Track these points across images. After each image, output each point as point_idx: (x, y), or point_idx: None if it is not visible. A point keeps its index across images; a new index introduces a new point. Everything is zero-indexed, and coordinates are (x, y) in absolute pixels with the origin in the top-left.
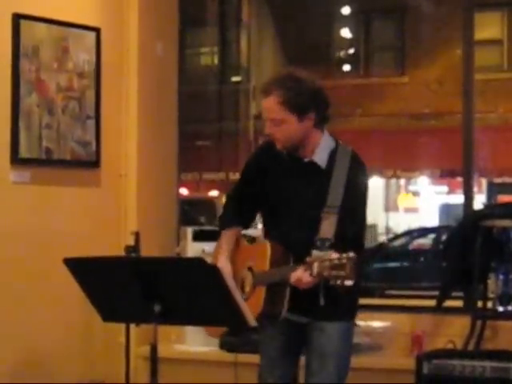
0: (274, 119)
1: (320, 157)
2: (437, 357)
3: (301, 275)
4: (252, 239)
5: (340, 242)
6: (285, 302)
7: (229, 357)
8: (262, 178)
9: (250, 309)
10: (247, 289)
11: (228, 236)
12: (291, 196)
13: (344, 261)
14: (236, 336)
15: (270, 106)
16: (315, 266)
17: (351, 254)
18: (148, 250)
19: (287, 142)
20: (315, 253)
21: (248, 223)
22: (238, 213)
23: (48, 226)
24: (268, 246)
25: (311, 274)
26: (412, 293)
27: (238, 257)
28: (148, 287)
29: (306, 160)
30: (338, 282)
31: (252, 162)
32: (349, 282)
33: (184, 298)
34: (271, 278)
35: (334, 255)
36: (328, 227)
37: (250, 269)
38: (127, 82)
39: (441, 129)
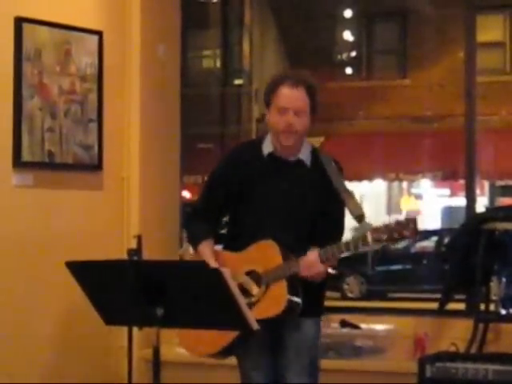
0: (300, 108)
1: (305, 156)
2: (439, 360)
3: (313, 259)
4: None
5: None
6: (299, 301)
7: (231, 360)
8: (235, 187)
9: (269, 307)
10: (254, 291)
11: (206, 246)
12: (277, 195)
13: (405, 222)
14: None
15: (300, 95)
16: (368, 234)
17: (411, 217)
18: (150, 253)
19: (300, 136)
20: (364, 224)
21: (216, 235)
22: (207, 227)
23: (50, 229)
24: (273, 243)
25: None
26: (414, 295)
27: (227, 266)
28: (150, 290)
29: (293, 159)
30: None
31: (222, 173)
32: (410, 240)
33: (186, 302)
34: (283, 271)
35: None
36: (356, 206)
37: (248, 273)
38: (129, 86)
39: (443, 131)
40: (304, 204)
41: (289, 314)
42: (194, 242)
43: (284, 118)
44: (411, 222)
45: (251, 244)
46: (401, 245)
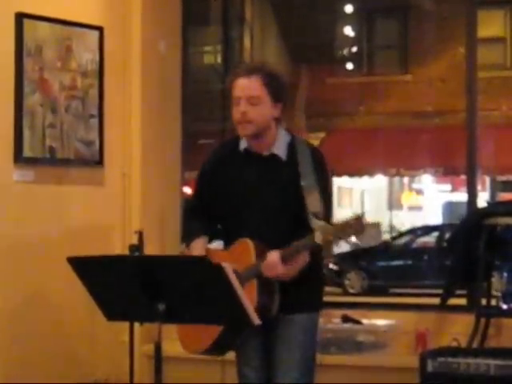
0: (252, 97)
1: (279, 149)
2: (441, 355)
3: (273, 259)
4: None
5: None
6: (275, 297)
7: (233, 356)
8: (221, 185)
9: None
10: None
11: (196, 243)
12: (254, 191)
13: (352, 221)
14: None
15: (252, 84)
16: (317, 234)
17: (357, 214)
18: (151, 249)
19: (258, 125)
20: (315, 221)
21: (211, 232)
22: (201, 224)
23: (51, 224)
24: (249, 241)
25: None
26: (416, 291)
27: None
28: (152, 286)
29: (266, 154)
30: (348, 239)
31: (204, 172)
32: (357, 238)
33: (188, 297)
34: (253, 271)
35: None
36: (315, 202)
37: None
38: (130, 81)
39: (444, 127)
40: (279, 199)
41: (261, 314)
42: (187, 239)
43: (238, 108)
44: (357, 219)
45: (234, 242)
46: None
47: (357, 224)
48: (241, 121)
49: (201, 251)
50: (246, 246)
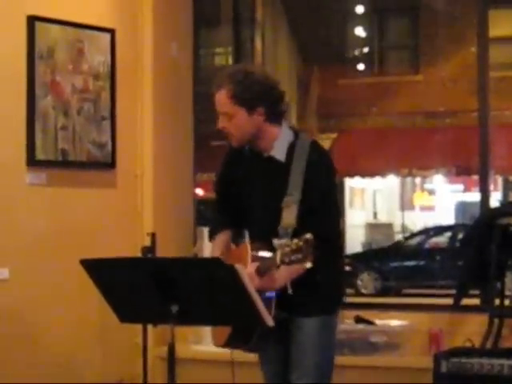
0: (225, 113)
1: (278, 151)
2: (455, 355)
3: (249, 272)
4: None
5: (304, 231)
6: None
7: (247, 357)
8: (231, 185)
9: None
10: None
11: (216, 241)
12: (254, 192)
13: (301, 243)
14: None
15: (221, 99)
16: (278, 253)
17: (308, 236)
18: (164, 251)
19: (240, 137)
20: (275, 241)
21: (235, 229)
22: (223, 221)
23: (64, 227)
24: (245, 245)
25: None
26: (429, 291)
27: (229, 260)
28: (165, 288)
29: (265, 155)
30: (299, 265)
31: (219, 176)
32: (307, 265)
33: (201, 299)
34: None
35: (293, 240)
36: (289, 215)
37: None
38: (142, 83)
39: (456, 127)
40: (274, 202)
41: None
42: (210, 237)
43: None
44: (307, 245)
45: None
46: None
47: (306, 249)
48: (225, 135)
49: (216, 249)
50: (244, 250)
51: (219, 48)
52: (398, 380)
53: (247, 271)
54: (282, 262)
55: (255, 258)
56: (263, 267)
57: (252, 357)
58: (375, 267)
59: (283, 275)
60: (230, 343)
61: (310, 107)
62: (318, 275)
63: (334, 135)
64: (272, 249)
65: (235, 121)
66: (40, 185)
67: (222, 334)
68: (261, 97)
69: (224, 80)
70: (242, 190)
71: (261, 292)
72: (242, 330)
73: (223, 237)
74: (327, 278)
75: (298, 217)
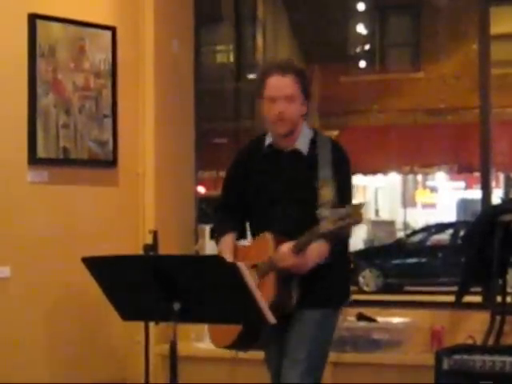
0: (289, 95)
1: (302, 145)
2: (456, 352)
3: (284, 251)
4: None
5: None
6: (293, 292)
7: (249, 355)
8: (247, 182)
9: None
10: None
11: (226, 241)
12: (277, 186)
13: (350, 209)
14: (244, 348)
15: (288, 83)
16: (323, 223)
17: (356, 202)
18: (166, 249)
19: (290, 123)
20: (321, 211)
21: (240, 229)
22: (230, 220)
23: (66, 225)
24: (268, 234)
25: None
26: (431, 289)
27: (237, 260)
28: (167, 286)
29: (289, 149)
30: (348, 229)
31: (231, 171)
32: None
33: (203, 296)
34: (268, 264)
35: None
36: (327, 192)
37: (253, 266)
38: (143, 81)
39: (457, 124)
40: (300, 193)
41: (279, 307)
42: (215, 236)
43: (275, 107)
44: (357, 208)
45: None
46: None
47: (356, 213)
48: (277, 119)
49: (227, 248)
50: (265, 240)
51: (220, 46)
52: (399, 377)
53: (282, 249)
54: (324, 232)
55: (280, 245)
56: (300, 244)
57: (254, 354)
58: (377, 264)
59: (314, 255)
60: (239, 344)
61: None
62: (330, 268)
63: (336, 133)
64: (292, 239)
65: (295, 105)
66: (41, 183)
67: (223, 335)
68: (309, 91)
69: (289, 66)
70: (257, 187)
71: (291, 273)
72: (251, 329)
73: (229, 238)
74: (335, 271)
75: (334, 194)
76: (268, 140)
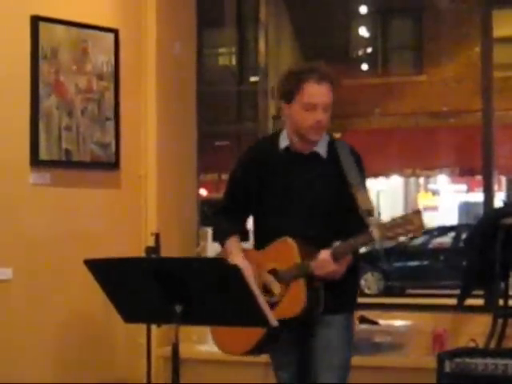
0: (327, 104)
1: (321, 148)
2: (458, 355)
3: (325, 258)
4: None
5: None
6: (320, 298)
7: (250, 358)
8: (262, 183)
9: (289, 307)
10: (276, 290)
11: (232, 242)
12: (296, 190)
13: (410, 217)
14: (265, 352)
15: (326, 91)
16: (375, 230)
17: (416, 209)
18: (168, 251)
19: (325, 130)
20: (370, 218)
21: (242, 233)
22: (232, 223)
23: (68, 227)
24: (290, 240)
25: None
26: (432, 291)
27: (252, 264)
28: (169, 288)
29: (308, 152)
30: (407, 236)
31: (240, 172)
32: (418, 234)
33: (205, 299)
34: (300, 270)
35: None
36: (366, 199)
37: (271, 271)
38: (146, 83)
39: (460, 127)
40: (319, 197)
41: (309, 313)
42: (220, 238)
43: (313, 115)
44: (416, 216)
45: (273, 241)
46: (413, 239)
47: (417, 220)
48: (315, 127)
49: (236, 250)
50: (288, 245)
51: (223, 48)
52: (401, 380)
53: (323, 257)
54: (381, 239)
55: (304, 251)
56: (339, 251)
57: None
58: (379, 267)
59: (344, 264)
60: (259, 348)
61: None
62: (349, 272)
63: (338, 135)
64: (313, 243)
65: (328, 114)
66: (44, 185)
67: (239, 342)
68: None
69: (327, 73)
70: (272, 190)
71: (319, 279)
72: (273, 333)
73: (236, 241)
74: (353, 275)
75: (371, 199)
76: (284, 142)
